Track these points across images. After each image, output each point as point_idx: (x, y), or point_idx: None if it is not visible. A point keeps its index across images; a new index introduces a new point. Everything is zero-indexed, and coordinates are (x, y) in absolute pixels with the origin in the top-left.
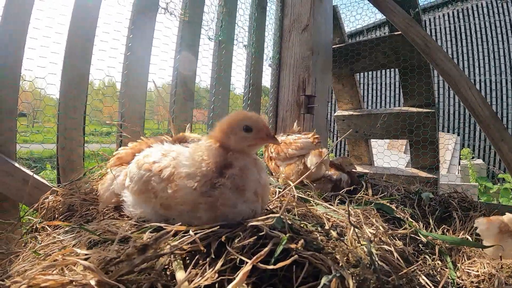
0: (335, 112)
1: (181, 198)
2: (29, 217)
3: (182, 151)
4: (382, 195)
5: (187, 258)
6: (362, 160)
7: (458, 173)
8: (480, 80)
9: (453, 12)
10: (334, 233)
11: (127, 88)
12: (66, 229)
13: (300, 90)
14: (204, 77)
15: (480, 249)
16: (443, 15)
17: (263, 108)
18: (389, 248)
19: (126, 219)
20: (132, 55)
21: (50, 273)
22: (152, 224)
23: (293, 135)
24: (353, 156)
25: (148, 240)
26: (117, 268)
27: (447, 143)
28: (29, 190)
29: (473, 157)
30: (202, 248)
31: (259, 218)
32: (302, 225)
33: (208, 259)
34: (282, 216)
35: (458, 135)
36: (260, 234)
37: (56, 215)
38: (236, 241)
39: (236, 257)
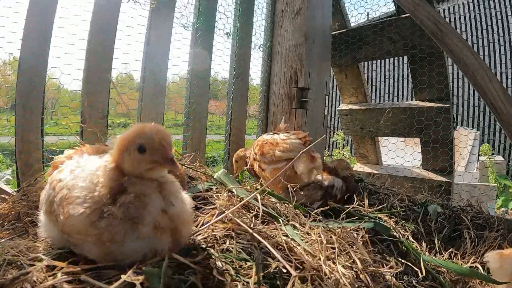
0: (337, 106)
1: (72, 227)
2: None
3: (88, 168)
4: (380, 206)
5: None
6: (369, 159)
7: (476, 170)
8: (501, 73)
9: (473, 1)
10: None
11: (88, 85)
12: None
13: (292, 82)
14: (175, 70)
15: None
16: (463, 4)
17: (252, 102)
18: None
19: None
20: (92, 49)
21: None
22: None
23: (281, 134)
24: (359, 154)
25: (5, 279)
26: None
27: (466, 138)
28: None
29: (493, 154)
30: None
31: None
32: (228, 269)
33: None
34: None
35: (478, 130)
36: None
37: (5, 224)
38: None
39: None
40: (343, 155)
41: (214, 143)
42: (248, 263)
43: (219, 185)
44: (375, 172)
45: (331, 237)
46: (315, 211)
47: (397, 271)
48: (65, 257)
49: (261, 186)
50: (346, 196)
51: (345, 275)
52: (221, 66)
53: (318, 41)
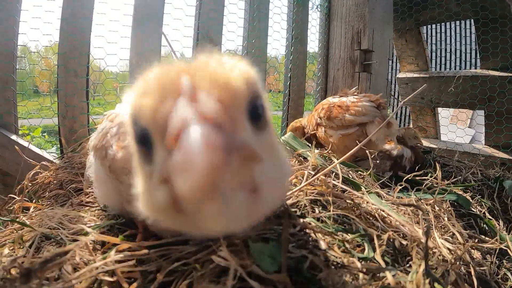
0: (397, 74)
1: (125, 161)
2: (12, 196)
3: None
4: (454, 180)
5: None
6: (427, 133)
7: None
8: None
9: None
10: (389, 276)
11: (136, 43)
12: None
13: (354, 43)
14: (232, 27)
15: None
16: None
17: (310, 65)
18: (468, 269)
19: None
20: (140, 3)
21: None
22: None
23: (350, 97)
24: (417, 127)
25: (34, 262)
26: None
27: None
28: (24, 164)
29: None
30: (125, 286)
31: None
32: (333, 241)
33: None
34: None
35: None
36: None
37: (47, 193)
38: (183, 284)
39: None
40: None
41: None
42: (349, 235)
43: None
44: (437, 147)
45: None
46: (406, 177)
47: (497, 247)
48: (118, 230)
49: (327, 153)
50: (416, 168)
51: (449, 249)
52: (279, 25)
53: (380, 0)
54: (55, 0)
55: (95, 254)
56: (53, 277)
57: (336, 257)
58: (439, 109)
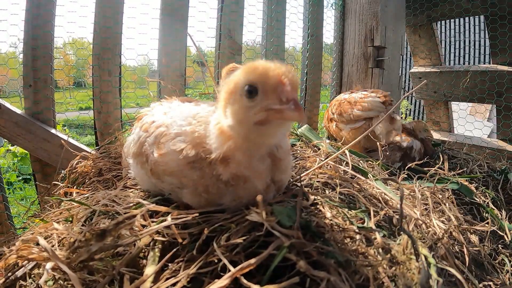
0: (410, 68)
1: (166, 165)
2: (56, 182)
3: (185, 110)
4: (460, 171)
5: (169, 247)
6: (441, 126)
7: None
8: None
9: None
10: (378, 237)
11: (164, 44)
12: (87, 195)
13: (368, 40)
14: (251, 27)
15: None
16: None
17: (326, 61)
18: (461, 249)
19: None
20: (166, 8)
21: (33, 246)
22: (137, 200)
23: (359, 93)
24: (430, 120)
25: (108, 224)
26: (77, 253)
27: None
28: (63, 155)
29: None
30: (180, 240)
31: (257, 210)
32: (338, 214)
33: (187, 256)
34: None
35: None
36: (258, 234)
37: (86, 180)
38: (223, 237)
39: (220, 259)
40: None
41: None
42: (352, 211)
43: (301, 142)
44: (449, 140)
45: (422, 193)
46: (409, 165)
47: (490, 229)
48: (163, 205)
49: (341, 145)
50: (424, 160)
51: (443, 228)
52: (296, 24)
53: None
54: (87, 6)
55: (149, 222)
56: (121, 237)
57: (339, 224)
58: (458, 102)
